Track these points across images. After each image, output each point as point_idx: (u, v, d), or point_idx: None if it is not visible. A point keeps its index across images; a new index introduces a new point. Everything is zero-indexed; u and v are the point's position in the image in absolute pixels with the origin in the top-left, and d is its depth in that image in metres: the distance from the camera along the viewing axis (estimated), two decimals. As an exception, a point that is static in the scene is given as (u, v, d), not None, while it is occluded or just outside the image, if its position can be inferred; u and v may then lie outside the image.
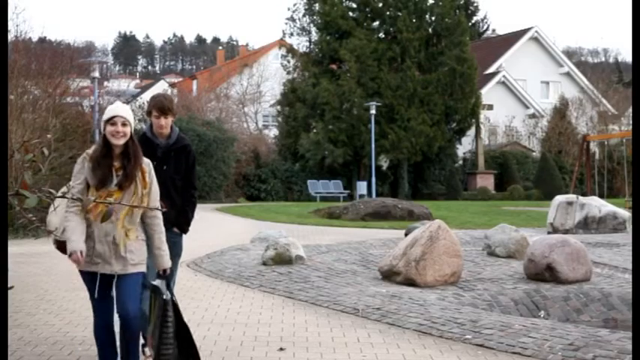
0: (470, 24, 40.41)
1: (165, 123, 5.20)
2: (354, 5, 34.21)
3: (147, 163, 4.27)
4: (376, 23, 34.61)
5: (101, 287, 4.26)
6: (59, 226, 4.22)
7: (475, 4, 44.43)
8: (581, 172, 28.22)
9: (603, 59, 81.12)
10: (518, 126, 40.44)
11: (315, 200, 29.98)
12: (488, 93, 38.57)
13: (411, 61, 32.82)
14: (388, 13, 33.87)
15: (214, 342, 5.55)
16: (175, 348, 4.18)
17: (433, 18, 34.05)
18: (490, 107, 37.28)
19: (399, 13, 33.28)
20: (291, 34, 36.21)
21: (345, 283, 8.00)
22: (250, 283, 8.17)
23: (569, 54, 56.69)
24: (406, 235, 10.65)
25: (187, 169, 5.29)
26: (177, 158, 5.24)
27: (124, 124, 4.17)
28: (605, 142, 33.73)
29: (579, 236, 12.20)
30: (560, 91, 41.20)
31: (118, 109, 4.25)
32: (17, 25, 19.24)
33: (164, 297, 4.19)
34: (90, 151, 4.22)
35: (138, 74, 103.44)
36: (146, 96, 39.50)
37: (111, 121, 4.17)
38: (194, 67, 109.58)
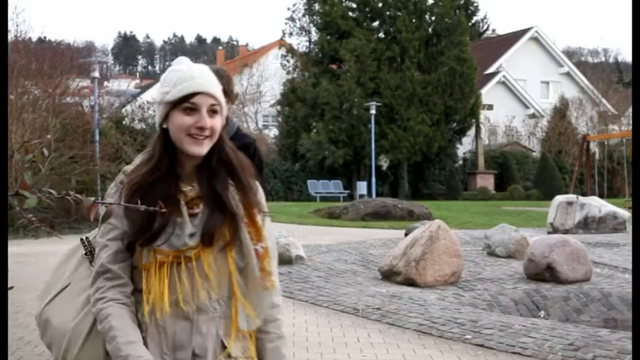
0: (470, 24, 40.38)
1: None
2: (354, 5, 34.21)
3: (257, 187, 2.06)
4: (376, 23, 34.62)
5: None
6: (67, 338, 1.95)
7: (475, 4, 44.42)
8: (581, 172, 28.21)
9: (603, 59, 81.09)
10: (518, 126, 40.45)
11: (315, 200, 29.98)
12: (488, 93, 38.57)
13: (411, 61, 32.82)
14: (388, 13, 33.87)
15: (214, 342, 5.55)
16: None
17: (433, 18, 34.05)
18: (490, 107, 37.29)
19: (399, 13, 33.28)
20: (291, 34, 36.23)
21: (345, 283, 8.00)
22: (250, 283, 8.16)
23: (569, 54, 56.69)
24: (406, 235, 10.65)
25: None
26: None
27: (213, 111, 1.91)
28: (605, 142, 33.72)
29: (579, 236, 12.19)
30: (560, 91, 41.20)
31: (198, 75, 1.92)
32: (17, 25, 19.25)
33: None
34: (130, 167, 1.98)
35: (138, 74, 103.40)
36: (146, 96, 39.49)
37: (185, 103, 1.89)
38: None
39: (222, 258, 1.90)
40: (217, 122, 1.92)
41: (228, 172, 1.97)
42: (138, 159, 2.00)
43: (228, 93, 3.37)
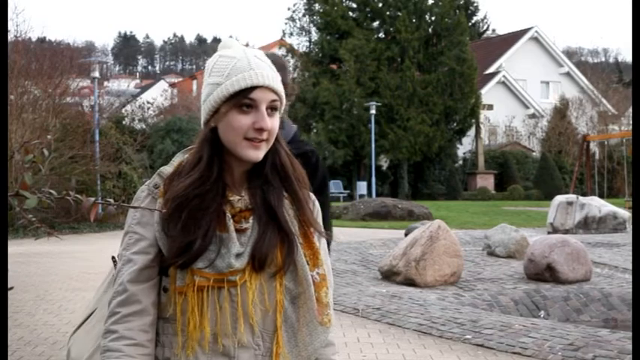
0: (470, 24, 40.40)
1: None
2: (354, 5, 34.24)
3: (313, 202, 1.77)
4: (376, 23, 34.65)
5: None
6: None
7: (475, 4, 44.44)
8: (581, 172, 28.22)
9: (603, 59, 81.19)
10: (518, 126, 40.46)
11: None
12: (488, 93, 38.57)
13: (411, 61, 32.84)
14: (388, 13, 33.90)
15: (214, 342, 5.54)
16: None
17: (433, 18, 34.07)
18: (490, 107, 37.29)
19: (399, 13, 33.31)
20: (291, 34, 36.26)
21: (345, 283, 8.01)
22: (250, 283, 8.16)
23: (569, 54, 56.72)
24: (406, 235, 10.65)
25: (321, 198, 2.76)
26: None
27: (272, 108, 1.62)
28: (605, 142, 33.72)
29: (579, 236, 12.20)
30: (560, 91, 41.21)
31: (256, 64, 1.61)
32: (17, 25, 19.26)
33: None
34: (168, 169, 1.67)
35: (138, 74, 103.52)
36: (146, 96, 39.49)
37: (242, 99, 1.58)
38: (194, 67, 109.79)
39: (271, 285, 1.60)
40: (277, 122, 1.63)
41: (282, 181, 1.67)
42: (177, 158, 1.69)
43: (284, 86, 2.55)
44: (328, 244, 2.46)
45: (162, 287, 1.60)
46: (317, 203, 1.76)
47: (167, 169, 1.66)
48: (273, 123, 1.60)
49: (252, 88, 1.57)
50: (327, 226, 2.52)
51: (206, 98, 1.62)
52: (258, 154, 1.60)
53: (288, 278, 1.61)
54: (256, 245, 1.58)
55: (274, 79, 1.61)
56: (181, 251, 1.55)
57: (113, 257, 1.74)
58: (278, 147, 1.66)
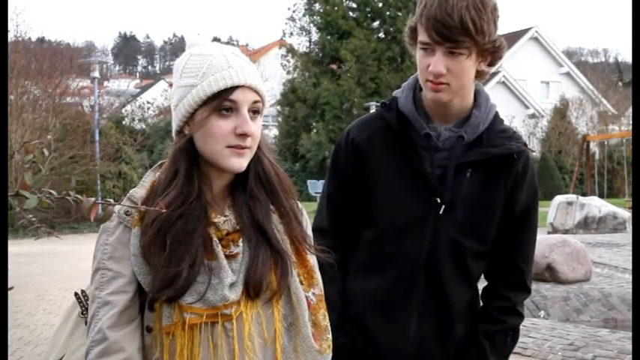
0: (470, 24, 40.42)
1: (455, 69, 1.92)
2: (354, 5, 34.28)
3: (301, 211, 1.58)
4: (376, 23, 34.69)
5: None
6: None
7: (475, 4, 44.45)
8: (581, 172, 28.22)
9: (603, 59, 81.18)
10: (518, 126, 40.39)
11: (316, 200, 29.97)
12: (488, 93, 38.52)
13: (411, 61, 32.80)
14: (388, 13, 33.94)
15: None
16: None
17: (433, 18, 34.12)
18: (490, 107, 37.28)
19: (399, 13, 33.34)
20: (291, 34, 36.26)
21: (345, 283, 7.99)
22: (250, 283, 8.16)
23: (569, 54, 56.73)
24: (406, 235, 10.63)
25: (512, 225, 1.95)
26: (486, 186, 1.94)
27: (254, 111, 1.45)
28: (605, 142, 33.70)
29: (579, 236, 12.20)
30: (560, 91, 41.21)
31: (234, 62, 1.45)
32: (17, 26, 19.24)
33: None
34: (139, 192, 1.46)
35: (138, 74, 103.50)
36: (146, 96, 39.51)
37: (224, 101, 1.41)
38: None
39: (268, 313, 1.41)
40: (260, 126, 1.45)
41: (268, 193, 1.48)
42: (149, 177, 1.47)
43: (481, 31, 1.77)
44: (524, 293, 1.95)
45: (145, 327, 1.39)
46: (305, 212, 1.56)
47: (139, 192, 1.45)
48: (256, 127, 1.43)
49: (232, 89, 1.40)
50: (525, 282, 1.96)
51: (178, 103, 1.43)
52: (242, 162, 1.42)
53: (282, 303, 1.43)
54: (249, 272, 1.40)
55: (256, 78, 1.44)
56: (166, 283, 1.35)
57: (76, 293, 1.55)
58: (260, 155, 1.50)
